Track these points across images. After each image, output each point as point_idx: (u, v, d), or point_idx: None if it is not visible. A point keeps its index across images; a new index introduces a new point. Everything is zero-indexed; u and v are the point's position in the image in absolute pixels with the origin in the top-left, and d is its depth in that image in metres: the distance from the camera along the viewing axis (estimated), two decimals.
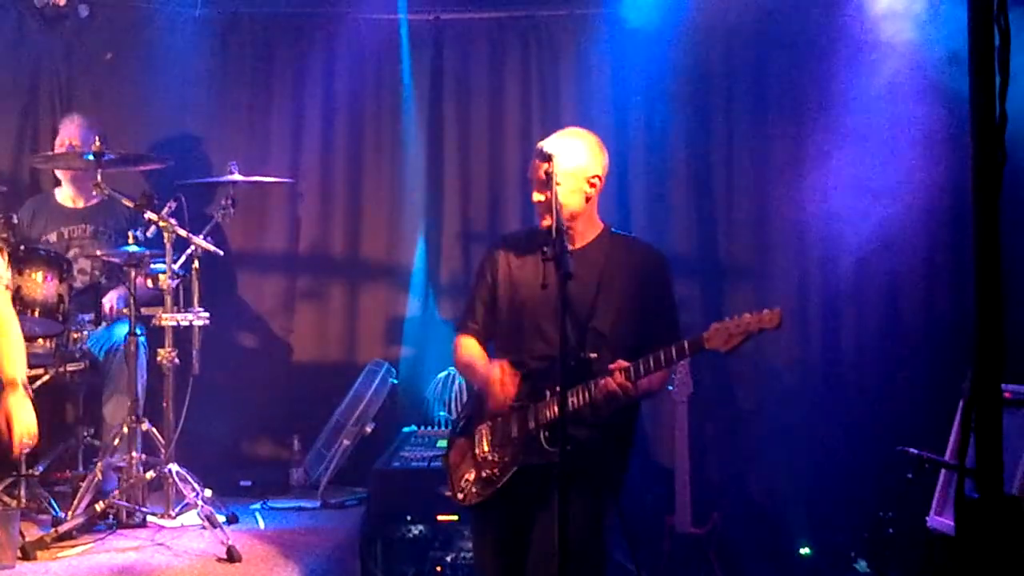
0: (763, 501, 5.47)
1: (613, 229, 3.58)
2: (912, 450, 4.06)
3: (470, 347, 3.61)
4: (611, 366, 3.24)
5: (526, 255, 3.54)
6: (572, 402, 3.23)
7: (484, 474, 3.45)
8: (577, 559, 3.05)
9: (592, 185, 3.46)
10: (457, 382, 5.45)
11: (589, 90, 5.78)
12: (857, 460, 5.27)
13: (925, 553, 4.28)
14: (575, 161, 3.41)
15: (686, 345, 3.20)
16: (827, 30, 5.51)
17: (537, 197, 3.41)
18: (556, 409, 3.24)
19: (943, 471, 4.24)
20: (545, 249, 3.09)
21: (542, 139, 3.43)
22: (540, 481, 3.30)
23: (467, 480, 3.50)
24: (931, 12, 5.20)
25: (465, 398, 5.13)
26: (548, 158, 3.25)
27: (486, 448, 3.46)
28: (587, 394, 3.27)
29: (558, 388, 3.14)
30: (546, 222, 3.33)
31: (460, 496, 3.52)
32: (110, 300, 5.09)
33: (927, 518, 4.25)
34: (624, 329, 3.41)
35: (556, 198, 3.19)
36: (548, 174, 3.23)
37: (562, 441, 2.97)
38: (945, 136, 5.28)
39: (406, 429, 5.46)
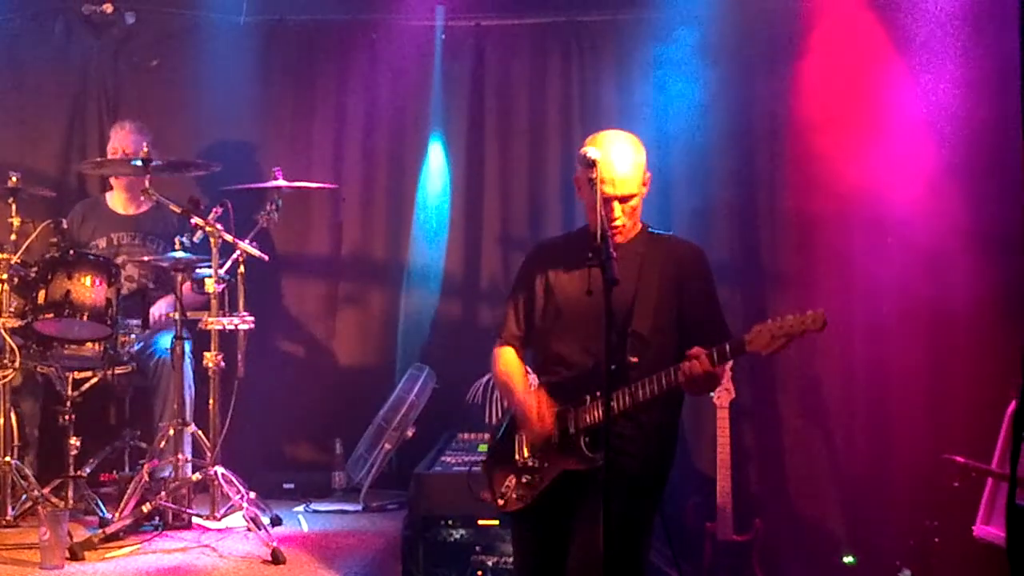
0: (806, 509, 5.43)
1: (651, 228, 3.55)
2: (958, 458, 4.02)
3: (509, 361, 3.59)
4: (689, 352, 3.18)
5: (566, 261, 3.50)
6: (613, 406, 3.20)
7: (524, 479, 3.45)
8: (617, 567, 3.04)
9: (646, 184, 3.45)
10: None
11: (631, 96, 5.78)
12: (902, 467, 5.23)
13: (971, 563, 4.24)
14: (639, 164, 3.40)
15: (728, 348, 3.17)
16: (873, 35, 5.46)
17: (619, 214, 3.38)
18: (597, 414, 3.27)
19: (990, 479, 4.20)
20: (590, 255, 3.08)
21: (583, 145, 3.37)
22: (580, 487, 3.31)
23: (508, 486, 3.50)
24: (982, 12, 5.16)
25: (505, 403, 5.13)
26: (593, 163, 3.24)
27: (526, 453, 3.46)
28: (627, 399, 3.25)
29: (599, 394, 3.20)
30: (620, 238, 3.37)
31: (501, 501, 3.52)
32: (158, 309, 5.17)
33: (973, 527, 4.21)
34: (663, 331, 3.39)
35: (600, 204, 3.17)
36: (592, 179, 3.23)
37: (606, 449, 2.97)
38: (997, 145, 5.23)
39: (447, 433, 5.49)
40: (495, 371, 3.63)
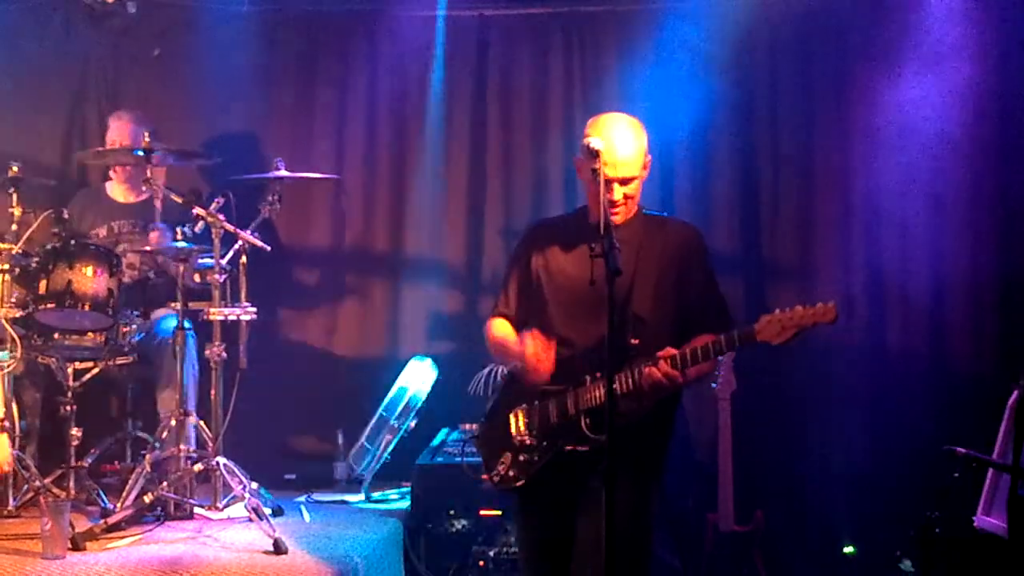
0: (807, 499, 5.44)
1: (646, 210, 3.54)
2: (959, 449, 4.01)
3: (501, 327, 3.59)
4: (659, 354, 3.20)
5: (565, 243, 3.50)
6: (615, 388, 3.16)
7: (521, 458, 3.43)
8: (621, 549, 3.04)
9: (646, 167, 3.44)
10: (499, 378, 5.46)
11: (632, 86, 5.77)
12: (903, 459, 5.23)
13: (972, 553, 4.24)
14: (641, 148, 3.39)
15: (736, 336, 3.17)
16: (875, 29, 5.47)
17: (619, 197, 3.37)
18: (598, 395, 3.26)
19: (991, 470, 4.20)
20: (593, 245, 3.07)
21: (584, 136, 3.38)
22: (581, 468, 3.31)
23: (503, 463, 3.47)
24: (986, 14, 5.15)
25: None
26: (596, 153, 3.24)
27: (523, 431, 3.43)
28: (630, 380, 3.24)
29: (599, 374, 3.21)
30: (618, 219, 3.35)
31: (496, 479, 3.49)
32: (156, 233, 5.04)
33: (974, 518, 4.21)
34: (663, 312, 3.38)
35: (603, 193, 3.17)
36: (595, 169, 3.23)
37: (609, 434, 2.96)
38: (995, 140, 5.23)
39: (449, 425, 5.49)
40: (489, 337, 3.62)
